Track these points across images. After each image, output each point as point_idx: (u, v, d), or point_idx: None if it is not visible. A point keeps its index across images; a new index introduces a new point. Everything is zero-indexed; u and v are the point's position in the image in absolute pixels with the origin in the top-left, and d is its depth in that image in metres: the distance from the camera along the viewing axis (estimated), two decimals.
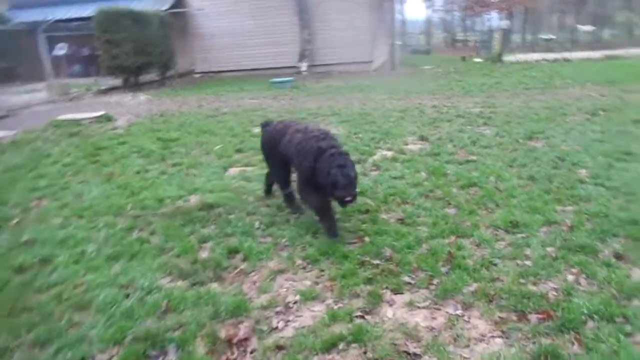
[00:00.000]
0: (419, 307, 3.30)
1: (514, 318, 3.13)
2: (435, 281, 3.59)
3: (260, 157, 7.33)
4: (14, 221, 5.21)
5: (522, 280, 3.56)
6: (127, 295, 3.62)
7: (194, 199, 5.62)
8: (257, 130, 9.27)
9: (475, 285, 3.52)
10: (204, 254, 4.27)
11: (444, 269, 3.75)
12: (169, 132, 9.50)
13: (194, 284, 3.79)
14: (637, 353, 2.71)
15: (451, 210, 4.97)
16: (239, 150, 7.83)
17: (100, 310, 3.44)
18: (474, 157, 6.84)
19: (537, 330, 2.97)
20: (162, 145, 8.30)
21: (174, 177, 6.54)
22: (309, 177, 4.33)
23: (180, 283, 3.83)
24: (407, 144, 7.78)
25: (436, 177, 6.03)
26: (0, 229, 5.05)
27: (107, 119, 11.35)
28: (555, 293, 3.39)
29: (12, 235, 4.82)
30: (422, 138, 8.10)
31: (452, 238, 4.29)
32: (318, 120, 10.05)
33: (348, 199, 4.10)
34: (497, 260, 3.87)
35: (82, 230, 4.82)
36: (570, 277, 3.58)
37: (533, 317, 3.12)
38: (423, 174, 6.18)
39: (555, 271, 3.66)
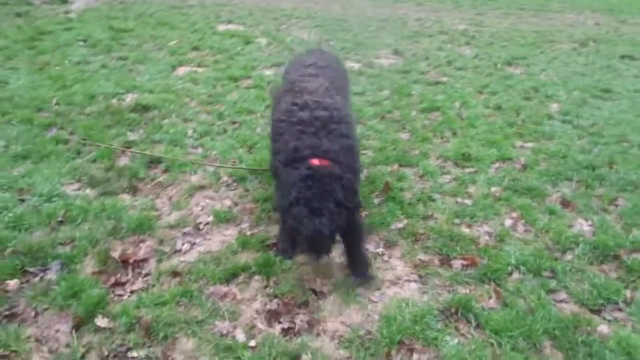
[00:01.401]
0: (337, 241, 3.02)
1: (436, 262, 2.88)
2: (363, 214, 3.30)
3: (216, 57, 6.80)
4: None
5: (456, 221, 3.29)
6: (23, 201, 3.25)
7: (129, 98, 5.12)
8: (222, 27, 8.58)
9: (405, 221, 3.24)
10: (122, 161, 3.88)
11: (376, 201, 3.46)
12: (125, 21, 8.65)
13: (103, 194, 3.44)
14: (554, 312, 2.50)
15: (404, 135, 4.61)
16: (195, 48, 7.17)
17: None
18: (445, 79, 6.37)
19: (456, 278, 2.74)
20: (113, 35, 7.54)
21: (115, 72, 5.95)
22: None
23: (88, 192, 3.46)
24: (378, 58, 7.21)
25: (399, 96, 5.60)
26: None
27: (62, 1, 10.30)
28: (487, 238, 3.14)
29: None
30: (397, 52, 7.52)
31: (395, 166, 3.96)
32: (291, 23, 9.28)
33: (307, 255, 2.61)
34: (436, 196, 3.57)
35: None
36: (508, 222, 3.32)
37: (457, 263, 2.88)
38: (386, 92, 5.73)
39: (494, 214, 3.39)
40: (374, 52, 7.45)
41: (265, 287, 2.64)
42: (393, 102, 5.40)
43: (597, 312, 2.58)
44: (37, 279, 2.63)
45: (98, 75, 5.80)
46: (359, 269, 2.72)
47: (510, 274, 2.82)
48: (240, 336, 2.33)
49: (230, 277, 2.70)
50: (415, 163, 4.00)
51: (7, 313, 2.40)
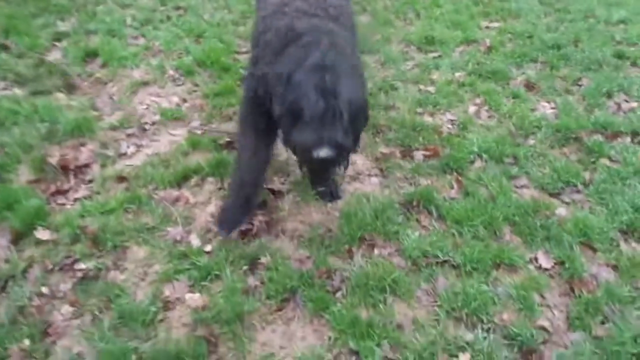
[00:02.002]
0: None
1: (398, 155, 2.78)
2: None
3: None
4: None
5: (419, 110, 3.14)
6: None
7: None
8: None
9: None
10: (53, 55, 3.47)
11: None
12: None
13: (33, 93, 3.10)
14: (515, 199, 2.48)
15: (364, 19, 4.27)
16: None
17: None
18: None
19: (418, 170, 2.66)
20: None
21: None
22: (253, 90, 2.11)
23: (16, 91, 3.11)
24: None
25: None
26: None
27: None
28: (450, 126, 3.03)
29: None
30: None
31: None
32: None
33: (318, 157, 1.71)
34: (399, 84, 3.39)
35: None
36: (471, 109, 3.20)
37: (418, 154, 2.78)
38: None
39: (458, 100, 3.25)
40: None
41: (220, 189, 2.50)
42: None
43: (557, 195, 2.57)
44: None
45: None
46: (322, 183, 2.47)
47: (473, 162, 2.76)
48: (195, 241, 2.22)
49: (181, 180, 2.53)
50: (376, 49, 3.74)
51: None
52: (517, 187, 2.61)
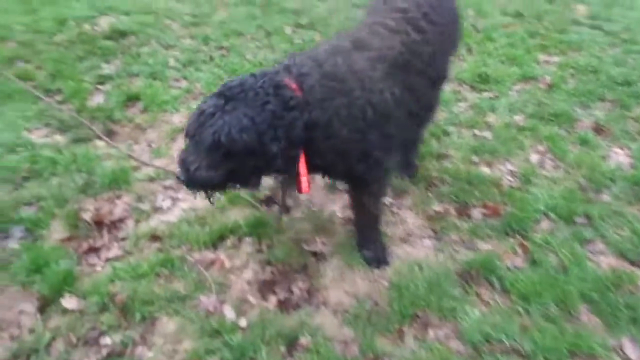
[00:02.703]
0: (339, 189, 2.65)
1: (453, 213, 2.52)
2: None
3: None
4: None
5: (474, 158, 2.88)
6: None
7: (104, 23, 4.53)
8: None
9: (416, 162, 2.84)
10: (96, 100, 3.43)
11: None
12: None
13: (74, 141, 3.04)
14: (591, 269, 2.17)
15: None
16: None
17: None
18: None
19: (476, 232, 2.38)
20: None
21: None
22: None
23: (57, 138, 3.06)
24: None
25: None
26: None
27: None
28: (510, 179, 2.75)
29: None
30: None
31: None
32: None
33: None
34: (451, 129, 3.14)
35: None
36: (534, 157, 2.91)
37: (476, 212, 2.51)
38: None
39: (518, 147, 2.97)
40: None
41: (258, 251, 2.31)
42: None
43: None
44: None
45: None
46: (368, 245, 2.27)
47: (538, 222, 2.46)
48: (230, 314, 2.03)
49: (217, 240, 2.36)
50: None
51: None
52: (592, 253, 2.30)
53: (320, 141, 1.78)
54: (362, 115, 1.81)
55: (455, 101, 3.41)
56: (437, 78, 2.22)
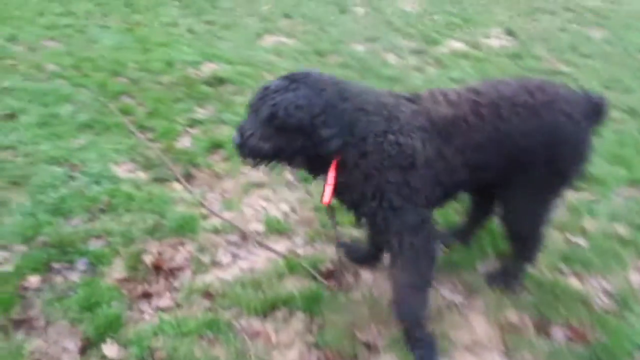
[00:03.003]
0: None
1: (530, 327, 2.22)
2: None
3: (307, 27, 6.27)
4: (9, 62, 4.65)
5: (563, 267, 2.57)
6: (71, 178, 3.02)
7: (206, 69, 4.78)
8: None
9: (494, 260, 2.59)
10: (183, 142, 3.55)
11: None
12: None
13: (154, 180, 3.12)
14: None
15: None
16: (287, 15, 6.68)
17: (32, 192, 2.88)
18: (566, 69, 5.36)
19: (556, 356, 2.07)
20: None
21: (200, 38, 5.64)
22: None
23: (140, 174, 3.17)
24: (488, 37, 6.29)
25: None
26: None
27: None
28: (604, 300, 2.40)
29: None
30: (510, 32, 6.51)
31: None
32: None
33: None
34: None
35: (68, 87, 4.18)
36: (635, 278, 2.54)
37: (558, 332, 2.20)
38: None
39: (617, 263, 2.62)
40: (483, 31, 6.52)
41: (308, 330, 2.16)
42: None
43: None
44: (59, 278, 2.36)
45: (183, 39, 5.52)
46: (418, 344, 2.06)
47: (631, 355, 2.10)
48: None
49: (268, 309, 2.25)
50: None
51: (17, 318, 2.15)
52: None
53: (350, 155, 1.86)
54: (389, 148, 1.86)
55: None
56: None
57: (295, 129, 1.78)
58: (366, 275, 2.48)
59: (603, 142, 3.85)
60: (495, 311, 2.29)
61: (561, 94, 2.01)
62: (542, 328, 2.21)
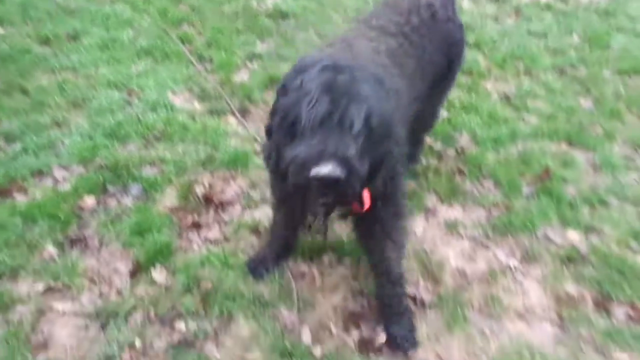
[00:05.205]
0: (460, 235, 2.35)
1: (590, 302, 2.09)
2: (503, 203, 2.54)
3: None
4: None
5: (633, 244, 2.38)
6: (128, 104, 3.02)
7: (270, 0, 4.60)
8: None
9: (557, 228, 2.43)
10: (241, 76, 3.47)
11: (526, 190, 2.64)
12: None
13: (210, 111, 3.09)
14: None
15: (586, 103, 3.52)
16: None
17: (90, 115, 2.91)
18: None
19: (614, 336, 1.95)
20: None
21: None
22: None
23: (195, 105, 3.14)
24: None
25: (592, 47, 4.32)
26: None
27: None
28: None
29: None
30: None
31: (563, 145, 3.02)
32: None
33: (317, 177, 1.20)
34: (612, 200, 2.63)
35: (130, 12, 4.13)
36: None
37: (619, 311, 2.06)
38: (575, 39, 4.48)
39: None
40: None
41: (353, 277, 2.12)
42: (581, 54, 4.19)
43: None
44: (113, 201, 2.40)
45: None
46: (392, 317, 1.90)
47: None
48: (306, 337, 1.88)
49: (315, 252, 2.21)
50: (592, 146, 3.00)
51: (73, 237, 2.21)
52: None
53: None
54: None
55: (626, 169, 2.87)
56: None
57: (384, 137, 1.37)
58: (418, 229, 2.39)
59: None
60: (553, 281, 2.16)
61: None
62: (603, 305, 2.07)
